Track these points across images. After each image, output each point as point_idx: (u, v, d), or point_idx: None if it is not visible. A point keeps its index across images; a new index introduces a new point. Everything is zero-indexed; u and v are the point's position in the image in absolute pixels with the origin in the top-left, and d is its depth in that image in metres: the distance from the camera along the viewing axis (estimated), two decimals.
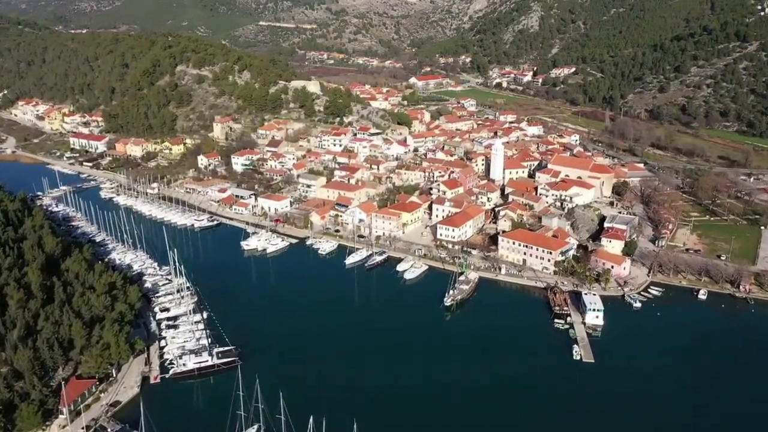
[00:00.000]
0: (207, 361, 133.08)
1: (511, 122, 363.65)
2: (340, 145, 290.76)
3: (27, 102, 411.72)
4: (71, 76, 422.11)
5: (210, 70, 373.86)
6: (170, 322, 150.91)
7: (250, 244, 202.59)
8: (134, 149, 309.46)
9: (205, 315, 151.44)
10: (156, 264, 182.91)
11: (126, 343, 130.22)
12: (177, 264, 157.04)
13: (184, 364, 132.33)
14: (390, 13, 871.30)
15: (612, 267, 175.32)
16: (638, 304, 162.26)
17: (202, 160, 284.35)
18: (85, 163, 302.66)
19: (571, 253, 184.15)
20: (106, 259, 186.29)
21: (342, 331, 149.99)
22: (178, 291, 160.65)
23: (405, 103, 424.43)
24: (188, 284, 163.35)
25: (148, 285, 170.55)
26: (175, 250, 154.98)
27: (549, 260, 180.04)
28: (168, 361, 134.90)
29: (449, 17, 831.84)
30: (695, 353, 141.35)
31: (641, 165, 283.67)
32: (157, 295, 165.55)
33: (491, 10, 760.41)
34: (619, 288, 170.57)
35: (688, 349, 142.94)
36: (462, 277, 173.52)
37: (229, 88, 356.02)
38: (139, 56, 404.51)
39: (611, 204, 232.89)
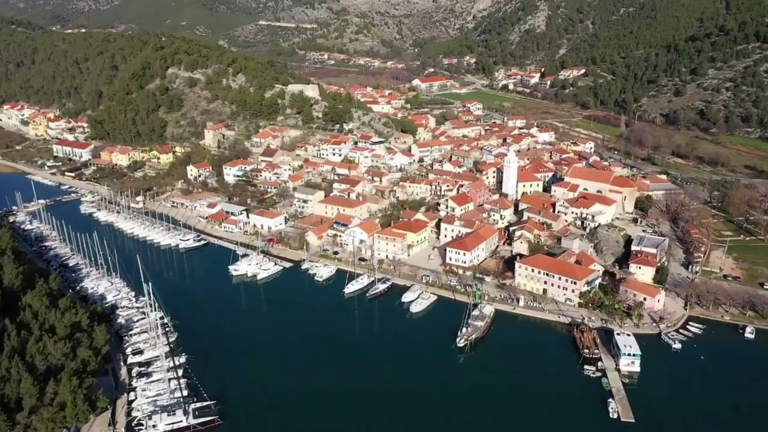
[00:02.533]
0: (181, 421, 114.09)
1: (520, 128, 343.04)
2: (340, 155, 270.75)
3: (12, 106, 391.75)
4: (59, 79, 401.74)
5: (203, 73, 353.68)
6: (142, 369, 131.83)
7: (239, 268, 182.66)
8: (120, 158, 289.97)
9: (183, 359, 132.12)
10: (133, 294, 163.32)
11: (86, 402, 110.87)
12: (153, 297, 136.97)
13: (154, 426, 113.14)
14: (392, 12, 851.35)
15: (645, 299, 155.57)
16: (677, 345, 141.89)
17: (191, 171, 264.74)
18: (67, 174, 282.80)
19: (598, 282, 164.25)
20: (78, 288, 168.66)
21: (339, 380, 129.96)
22: (153, 328, 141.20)
23: (408, 106, 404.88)
24: (166, 320, 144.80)
25: (121, 320, 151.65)
26: (150, 283, 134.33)
27: (573, 291, 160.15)
28: (136, 421, 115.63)
29: (452, 17, 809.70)
30: (753, 410, 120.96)
31: (663, 176, 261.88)
32: (130, 333, 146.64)
33: (496, 10, 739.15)
34: (654, 324, 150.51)
35: (742, 405, 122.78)
36: (476, 312, 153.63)
37: (222, 92, 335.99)
38: (130, 58, 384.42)
39: (635, 221, 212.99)
